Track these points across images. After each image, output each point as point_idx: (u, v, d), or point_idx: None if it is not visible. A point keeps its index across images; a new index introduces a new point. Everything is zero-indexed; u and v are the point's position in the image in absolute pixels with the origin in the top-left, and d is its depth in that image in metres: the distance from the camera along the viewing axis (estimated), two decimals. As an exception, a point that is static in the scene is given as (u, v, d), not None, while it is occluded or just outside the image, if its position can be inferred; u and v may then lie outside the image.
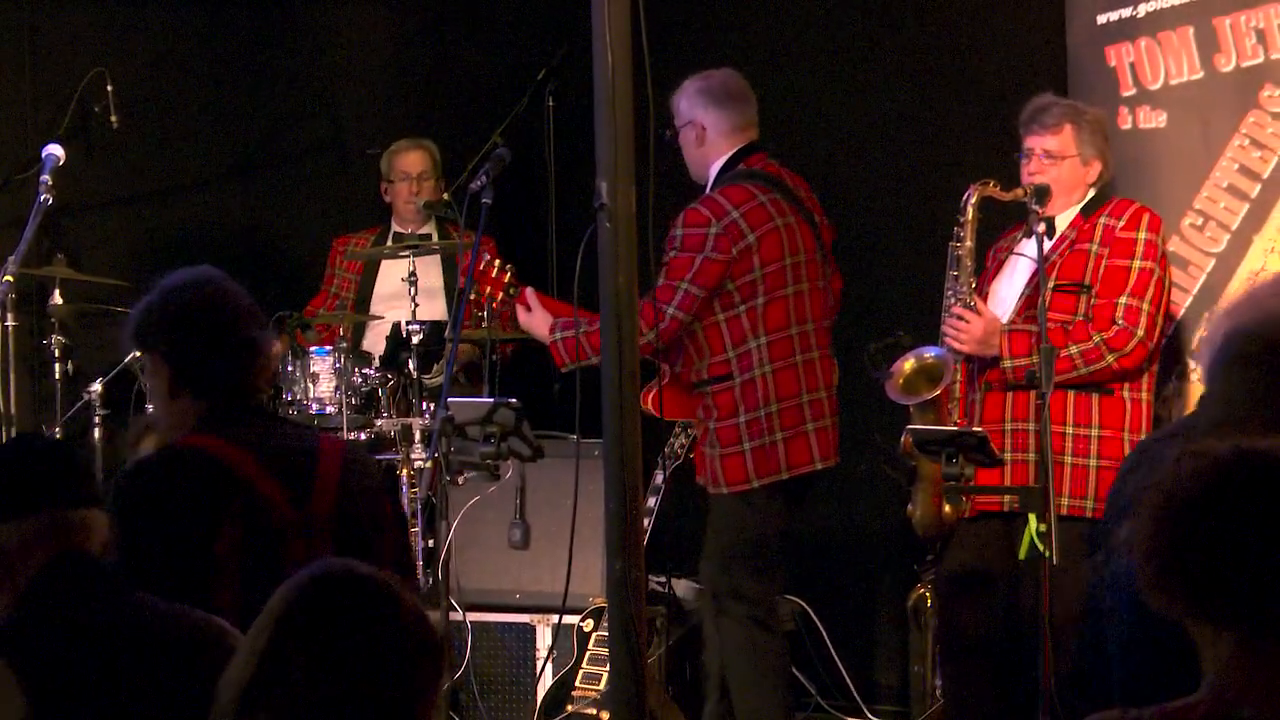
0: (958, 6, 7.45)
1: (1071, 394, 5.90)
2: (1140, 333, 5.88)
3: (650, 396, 6.36)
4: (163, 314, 4.05)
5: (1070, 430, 5.91)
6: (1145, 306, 5.91)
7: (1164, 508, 2.76)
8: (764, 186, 6.32)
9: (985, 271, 6.22)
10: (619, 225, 4.29)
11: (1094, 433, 5.92)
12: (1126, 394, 5.97)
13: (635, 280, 4.34)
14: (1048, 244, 5.89)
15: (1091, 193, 6.09)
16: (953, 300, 6.04)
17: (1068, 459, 5.88)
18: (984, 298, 6.12)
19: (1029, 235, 5.83)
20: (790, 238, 6.28)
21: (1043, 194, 5.88)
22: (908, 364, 5.98)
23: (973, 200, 6.02)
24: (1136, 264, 5.93)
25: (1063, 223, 6.05)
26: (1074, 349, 5.86)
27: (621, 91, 4.27)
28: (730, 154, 6.40)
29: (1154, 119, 6.51)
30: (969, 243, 6.03)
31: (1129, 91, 6.56)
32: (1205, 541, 2.70)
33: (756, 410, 6.23)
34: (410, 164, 8.06)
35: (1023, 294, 6.05)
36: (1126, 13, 6.56)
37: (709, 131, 6.42)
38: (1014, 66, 7.04)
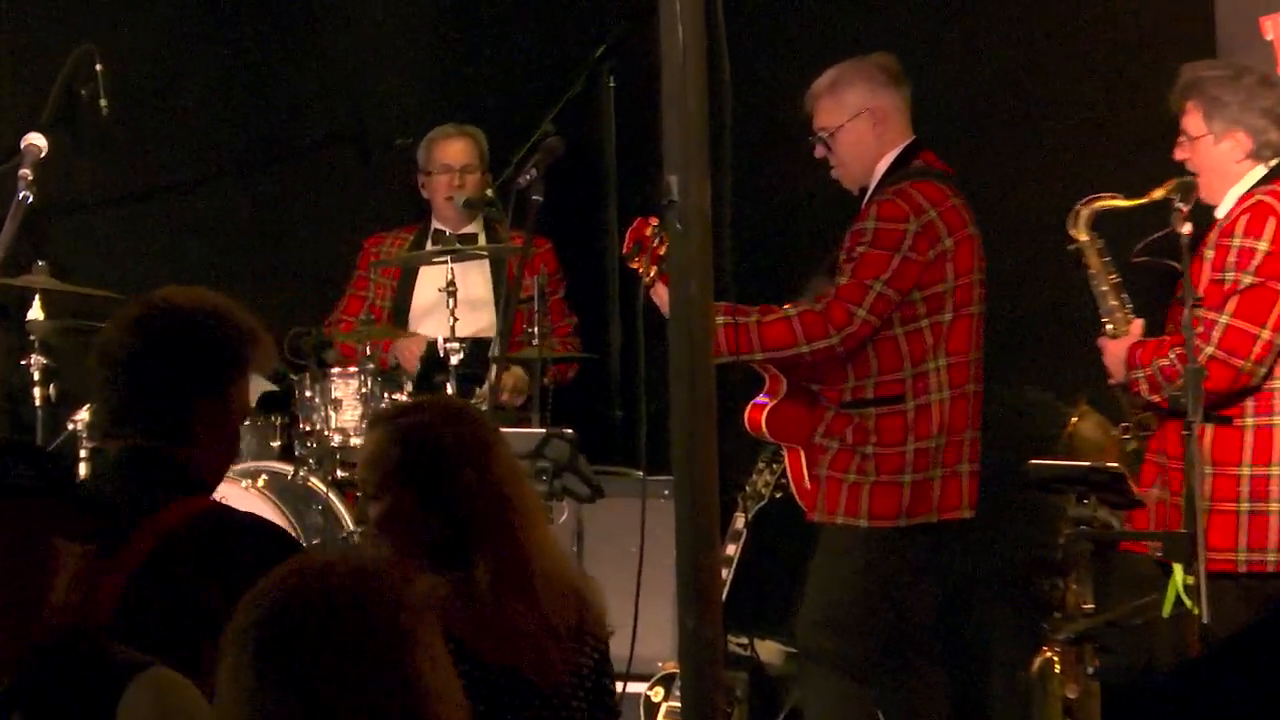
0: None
1: (1211, 426, 5.82)
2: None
3: (758, 415, 6.30)
4: None
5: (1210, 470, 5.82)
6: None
7: None
8: (954, 188, 6.26)
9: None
10: (691, 226, 4.23)
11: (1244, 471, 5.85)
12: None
13: (710, 288, 4.29)
14: None
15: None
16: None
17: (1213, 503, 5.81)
18: None
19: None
20: (979, 250, 6.23)
21: (1188, 189, 5.75)
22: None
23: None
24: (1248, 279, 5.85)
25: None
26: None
27: (694, 71, 4.22)
28: (904, 146, 6.32)
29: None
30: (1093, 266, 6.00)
31: (1289, 67, 6.51)
32: None
33: (928, 440, 6.24)
34: (452, 154, 8.00)
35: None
36: (1285, -22, 6.53)
37: (892, 116, 6.34)
38: (1158, 43, 6.97)
